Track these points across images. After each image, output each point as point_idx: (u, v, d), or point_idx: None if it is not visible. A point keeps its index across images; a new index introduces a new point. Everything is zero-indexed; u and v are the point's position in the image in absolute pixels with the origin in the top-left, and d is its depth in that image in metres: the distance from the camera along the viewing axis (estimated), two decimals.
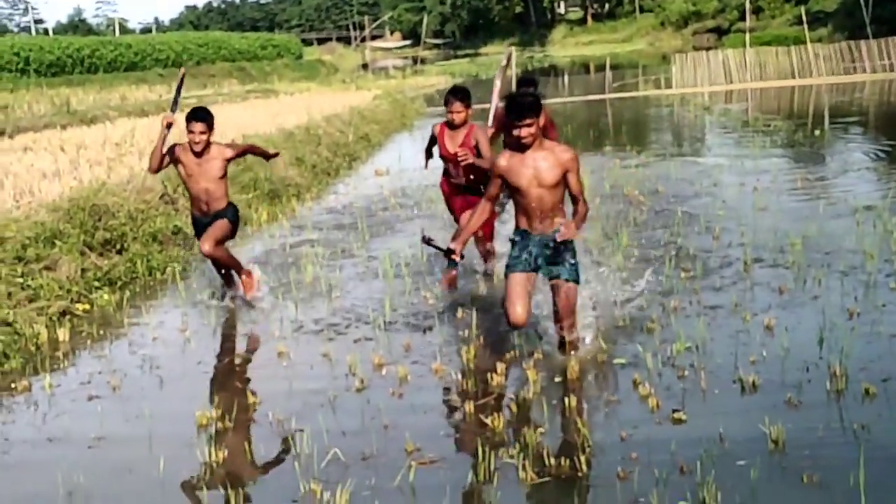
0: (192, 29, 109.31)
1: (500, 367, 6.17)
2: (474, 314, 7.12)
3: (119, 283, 9.10)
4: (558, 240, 5.80)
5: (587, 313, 6.72)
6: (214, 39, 72.20)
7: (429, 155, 8.62)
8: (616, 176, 13.68)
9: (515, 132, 5.87)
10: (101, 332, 7.81)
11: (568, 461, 4.82)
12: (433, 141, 8.29)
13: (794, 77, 31.04)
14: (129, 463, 5.26)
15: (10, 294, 7.93)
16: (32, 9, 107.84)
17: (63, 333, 7.64)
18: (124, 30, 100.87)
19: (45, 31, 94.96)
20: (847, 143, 17.41)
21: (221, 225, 8.02)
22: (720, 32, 69.01)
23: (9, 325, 7.51)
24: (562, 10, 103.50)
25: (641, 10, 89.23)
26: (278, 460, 5.22)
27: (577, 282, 6.15)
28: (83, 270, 8.90)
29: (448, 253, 6.47)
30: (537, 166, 5.91)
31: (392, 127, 24.73)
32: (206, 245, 7.90)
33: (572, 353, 6.22)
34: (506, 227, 8.42)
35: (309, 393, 6.10)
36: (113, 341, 7.62)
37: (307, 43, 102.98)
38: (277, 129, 17.95)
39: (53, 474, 5.02)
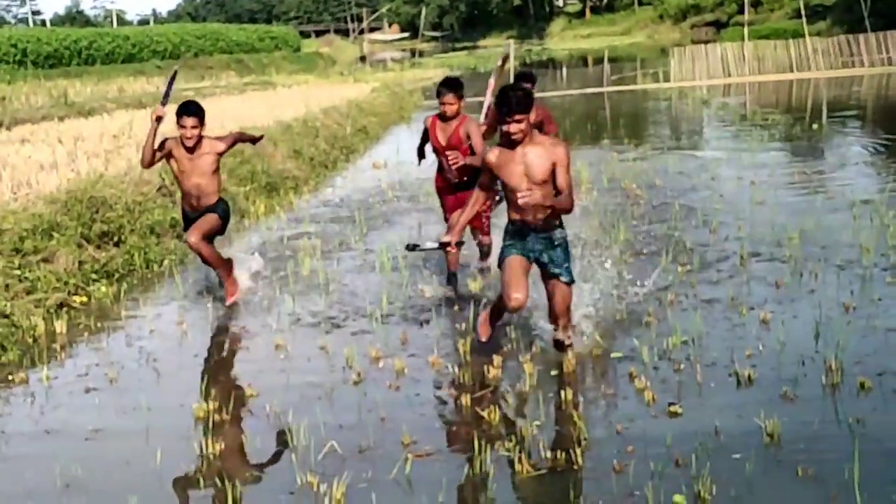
0: (189, 20, 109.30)
1: (497, 360, 6.18)
2: (471, 307, 7.13)
3: (116, 276, 9.11)
4: (520, 202, 5.69)
5: (584, 307, 6.72)
6: (212, 31, 72.06)
7: (421, 153, 8.50)
8: (614, 169, 13.69)
9: (505, 128, 5.81)
10: (99, 324, 7.81)
11: (564, 454, 4.84)
12: (426, 135, 8.18)
13: (792, 71, 31.06)
14: (127, 455, 5.27)
15: (7, 286, 7.94)
16: (30, 0, 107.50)
17: (60, 326, 7.64)
18: (122, 21, 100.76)
19: (43, 23, 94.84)
20: (845, 137, 17.42)
21: (210, 218, 7.92)
22: (719, 26, 68.88)
23: (6, 317, 7.52)
24: (560, 2, 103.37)
25: (640, 3, 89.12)
26: (275, 453, 5.23)
27: (572, 282, 6.16)
28: (80, 263, 8.90)
29: (443, 246, 6.48)
30: (527, 162, 5.83)
31: (390, 120, 24.73)
32: (192, 237, 7.81)
33: (567, 347, 6.23)
34: (502, 220, 8.42)
35: (306, 386, 6.12)
36: (110, 334, 7.63)
37: (305, 35, 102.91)
38: (275, 122, 17.93)
39: (51, 466, 5.04)
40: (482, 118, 8.53)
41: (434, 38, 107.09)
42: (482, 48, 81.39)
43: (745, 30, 37.38)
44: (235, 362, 6.87)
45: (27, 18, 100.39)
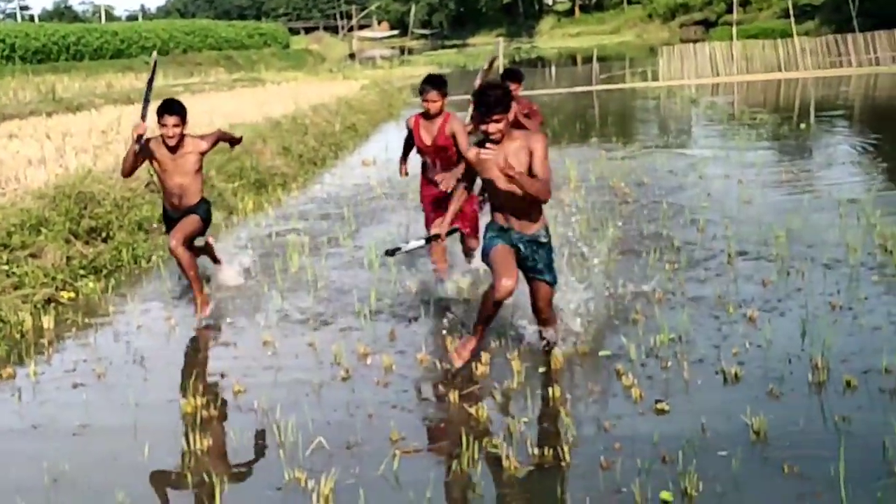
0: (178, 16, 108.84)
1: (485, 357, 6.20)
2: (459, 304, 7.15)
3: (104, 272, 9.10)
4: (482, 155, 5.66)
5: (572, 305, 6.72)
6: (201, 27, 71.88)
7: (405, 158, 8.33)
8: (602, 168, 13.71)
9: (484, 127, 5.74)
10: (86, 320, 7.80)
11: (551, 450, 4.86)
12: (410, 137, 8.05)
13: (780, 70, 31.14)
14: (114, 451, 5.27)
15: None
16: None
17: (48, 321, 7.63)
18: (110, 17, 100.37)
19: (31, 18, 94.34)
20: (832, 136, 17.47)
21: (192, 220, 7.72)
22: (707, 25, 69.00)
23: None
24: (550, 1, 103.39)
25: (629, 2, 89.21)
26: (263, 448, 5.23)
27: (555, 282, 6.19)
28: (68, 258, 8.89)
29: (432, 240, 6.49)
30: (506, 157, 5.68)
31: (379, 117, 24.72)
32: (174, 240, 7.56)
33: (553, 344, 6.25)
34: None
35: (294, 382, 6.12)
36: (98, 329, 7.62)
37: (294, 32, 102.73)
38: (264, 118, 17.92)
39: (38, 462, 5.04)
40: (468, 118, 8.49)
41: (423, 36, 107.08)
42: (471, 46, 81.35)
43: (734, 29, 37.44)
44: (223, 358, 6.85)
45: (15, 13, 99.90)
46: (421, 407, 5.72)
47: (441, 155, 7.83)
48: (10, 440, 5.56)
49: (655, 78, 31.86)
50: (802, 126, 18.31)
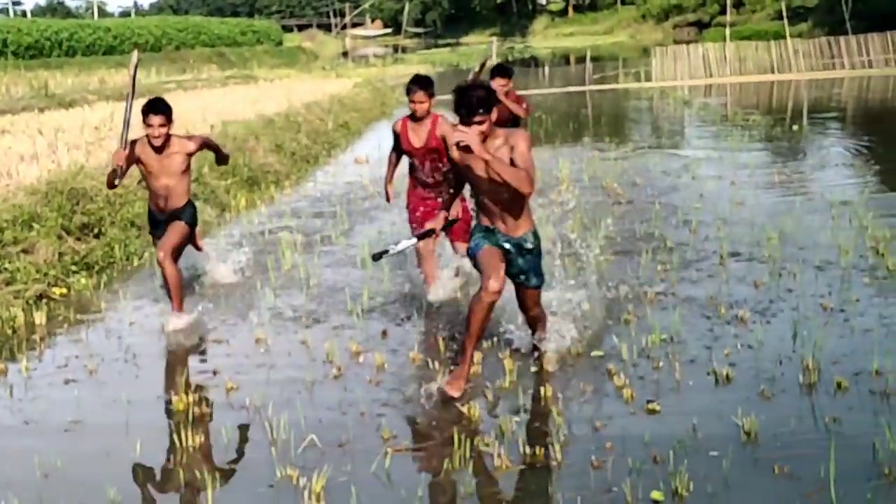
0: (171, 13, 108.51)
1: (477, 356, 6.18)
2: (453, 303, 7.15)
3: (97, 268, 9.08)
4: (458, 138, 5.45)
5: (564, 306, 6.72)
6: (194, 24, 71.73)
7: (391, 177, 8.13)
8: (595, 168, 13.73)
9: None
10: (78, 316, 7.79)
11: (543, 450, 4.87)
12: (397, 143, 7.86)
13: (773, 72, 31.20)
14: (106, 447, 5.27)
15: None
16: None
17: (40, 317, 7.62)
18: (103, 13, 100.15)
19: (23, 13, 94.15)
20: (825, 138, 17.51)
21: (179, 230, 7.54)
22: (701, 26, 69.10)
23: None
24: (543, 0, 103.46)
25: (623, 3, 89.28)
26: (255, 446, 5.23)
27: (542, 284, 6.10)
28: (60, 254, 8.88)
29: (427, 235, 6.46)
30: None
31: (372, 115, 24.69)
32: (162, 252, 7.37)
33: (543, 341, 6.25)
34: None
35: (286, 380, 6.12)
36: (90, 326, 7.61)
37: (287, 29, 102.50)
38: (257, 116, 17.91)
39: (29, 457, 5.03)
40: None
41: (417, 35, 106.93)
42: (465, 45, 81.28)
43: (727, 30, 37.54)
44: (216, 356, 6.85)
45: (7, 9, 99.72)
46: (413, 405, 5.71)
47: (431, 157, 7.66)
48: (2, 436, 5.55)
49: (649, 78, 31.90)
50: (795, 128, 18.36)
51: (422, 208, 7.80)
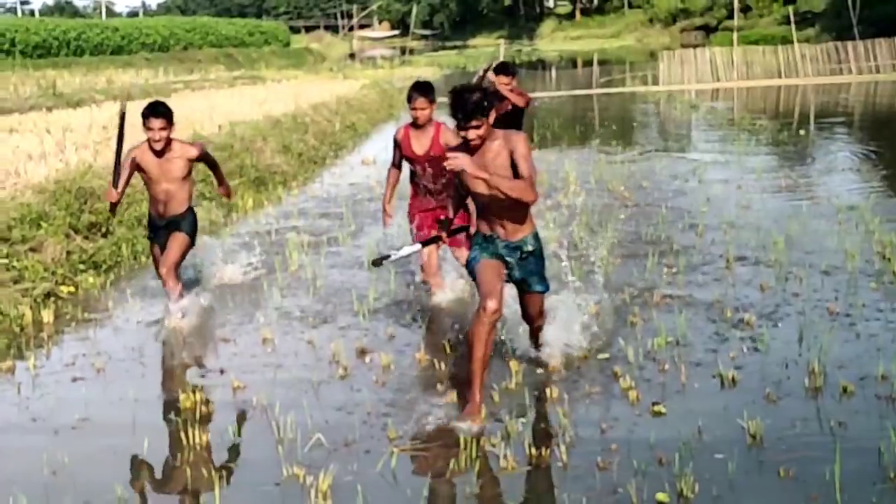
0: (179, 13, 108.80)
1: None
2: (458, 304, 7.16)
3: (104, 267, 9.11)
4: (450, 166, 5.27)
5: (570, 310, 6.70)
6: (202, 25, 71.87)
7: (391, 195, 7.89)
8: (602, 171, 13.74)
9: (462, 133, 5.41)
10: (86, 314, 7.81)
11: (548, 451, 4.88)
12: (397, 157, 7.70)
13: (780, 77, 31.14)
14: (113, 445, 5.28)
15: None
16: None
17: (47, 315, 7.64)
18: (111, 13, 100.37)
19: (31, 13, 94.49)
20: (832, 143, 17.50)
21: (181, 244, 7.43)
22: (708, 30, 69.11)
23: None
24: (551, 3, 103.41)
25: (630, 6, 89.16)
26: (261, 444, 5.24)
27: (547, 289, 5.94)
28: (68, 253, 8.91)
29: (434, 241, 6.46)
30: (485, 161, 5.39)
31: (379, 117, 24.70)
32: (164, 268, 7.34)
33: (545, 348, 6.24)
34: None
35: (293, 379, 6.14)
36: (97, 324, 7.63)
37: (295, 30, 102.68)
38: (264, 116, 17.94)
39: (37, 455, 5.06)
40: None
41: (424, 37, 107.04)
42: (472, 47, 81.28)
43: (735, 35, 37.55)
44: (223, 355, 6.87)
45: (15, 8, 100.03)
46: (419, 405, 5.72)
47: (434, 164, 7.40)
48: (10, 433, 5.57)
49: (656, 82, 31.88)
50: (802, 132, 18.36)
51: (421, 215, 7.63)
